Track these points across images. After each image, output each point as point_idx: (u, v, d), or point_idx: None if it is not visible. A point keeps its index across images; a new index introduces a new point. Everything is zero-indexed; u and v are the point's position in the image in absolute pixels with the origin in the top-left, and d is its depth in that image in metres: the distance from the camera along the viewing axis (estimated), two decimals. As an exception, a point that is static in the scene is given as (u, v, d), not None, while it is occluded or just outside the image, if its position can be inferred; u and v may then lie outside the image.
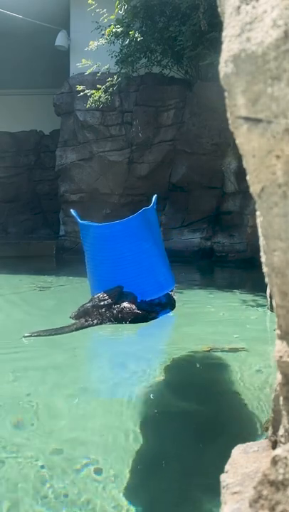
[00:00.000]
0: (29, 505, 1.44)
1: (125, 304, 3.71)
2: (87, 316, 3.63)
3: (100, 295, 3.80)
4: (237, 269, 7.52)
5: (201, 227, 8.41)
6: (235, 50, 0.63)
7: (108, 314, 3.65)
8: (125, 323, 3.63)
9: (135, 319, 3.67)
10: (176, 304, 4.15)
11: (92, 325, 3.56)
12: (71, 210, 4.51)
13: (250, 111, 0.63)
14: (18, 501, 1.46)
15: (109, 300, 3.74)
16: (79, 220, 4.22)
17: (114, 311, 3.67)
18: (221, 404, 2.28)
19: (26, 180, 11.27)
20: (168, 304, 4.10)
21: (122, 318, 3.65)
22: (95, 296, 3.82)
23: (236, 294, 5.03)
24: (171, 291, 4.28)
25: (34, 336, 3.20)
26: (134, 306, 3.73)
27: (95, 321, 3.59)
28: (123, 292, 3.85)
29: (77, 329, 3.47)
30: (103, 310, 3.67)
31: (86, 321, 3.58)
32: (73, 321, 3.62)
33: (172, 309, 4.07)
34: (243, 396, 2.26)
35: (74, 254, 7.81)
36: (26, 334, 3.20)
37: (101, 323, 3.58)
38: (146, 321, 3.73)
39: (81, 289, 4.39)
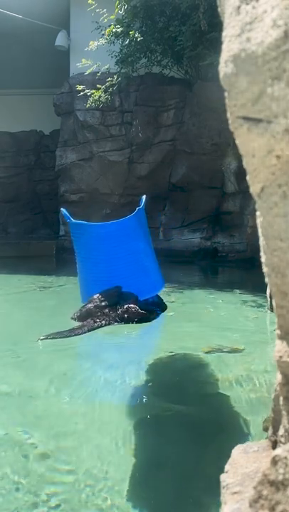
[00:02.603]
0: (27, 508, 1.44)
1: (130, 305, 3.71)
2: (92, 317, 3.62)
3: (100, 295, 3.79)
4: (237, 269, 7.52)
5: (201, 227, 8.42)
6: (235, 50, 0.63)
7: (113, 315, 3.64)
8: (131, 323, 3.63)
9: (140, 319, 3.67)
10: (176, 304, 4.16)
11: (102, 326, 3.55)
12: (61, 209, 4.42)
13: (250, 111, 0.63)
14: (15, 506, 1.46)
15: (111, 300, 3.74)
16: (71, 219, 4.20)
17: (119, 312, 3.66)
18: (221, 405, 2.28)
19: (26, 180, 11.28)
20: (160, 304, 4.12)
21: (128, 319, 3.64)
22: (95, 297, 3.81)
23: (236, 294, 5.03)
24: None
25: (49, 339, 3.20)
26: (137, 307, 3.73)
27: (103, 322, 3.58)
28: (123, 292, 3.84)
29: (89, 330, 3.47)
30: (107, 310, 3.66)
31: (94, 322, 3.57)
32: (77, 323, 3.61)
33: (164, 309, 4.08)
34: (243, 396, 2.26)
35: (74, 254, 7.80)
36: (41, 337, 3.20)
37: (108, 324, 3.58)
38: (149, 320, 3.74)
39: (81, 289, 4.39)
